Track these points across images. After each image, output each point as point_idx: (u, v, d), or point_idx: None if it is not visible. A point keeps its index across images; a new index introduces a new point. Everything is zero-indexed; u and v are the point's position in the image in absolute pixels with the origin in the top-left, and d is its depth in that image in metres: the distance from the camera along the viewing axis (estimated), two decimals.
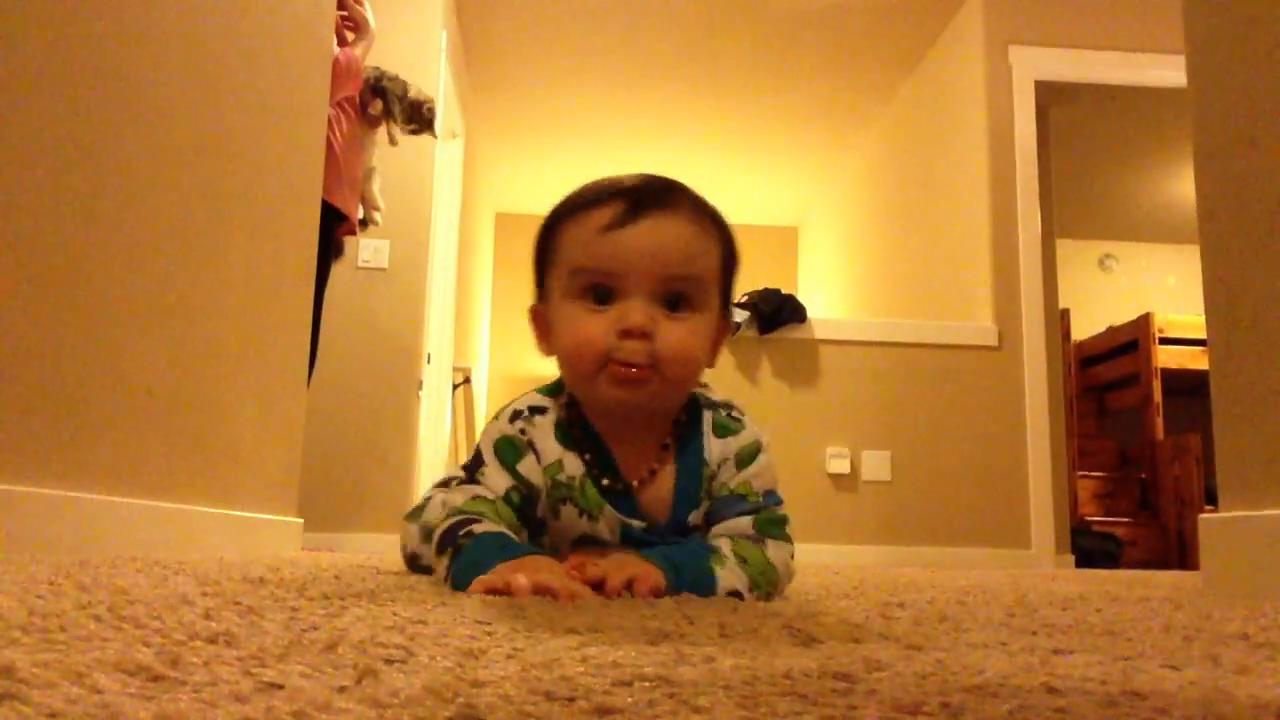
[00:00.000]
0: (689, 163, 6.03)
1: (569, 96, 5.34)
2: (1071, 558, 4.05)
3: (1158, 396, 5.70)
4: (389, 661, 0.40)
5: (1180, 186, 6.17)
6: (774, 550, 1.00)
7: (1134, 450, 5.95)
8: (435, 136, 3.34)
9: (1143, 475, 5.80)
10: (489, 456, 1.02)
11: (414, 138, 3.25)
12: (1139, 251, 7.16)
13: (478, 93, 5.21)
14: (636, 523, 1.01)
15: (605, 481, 1.01)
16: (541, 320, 1.04)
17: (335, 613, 0.62)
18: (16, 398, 1.18)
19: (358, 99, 3.01)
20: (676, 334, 0.94)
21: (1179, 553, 5.36)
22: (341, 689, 0.33)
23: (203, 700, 0.30)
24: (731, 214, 1.03)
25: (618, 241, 0.94)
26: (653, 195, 0.96)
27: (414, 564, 1.33)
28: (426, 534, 1.22)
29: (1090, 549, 4.72)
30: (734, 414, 1.07)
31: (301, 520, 2.36)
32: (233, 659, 0.39)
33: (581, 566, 0.87)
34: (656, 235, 0.94)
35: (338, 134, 2.85)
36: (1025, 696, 0.36)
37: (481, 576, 0.82)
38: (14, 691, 0.30)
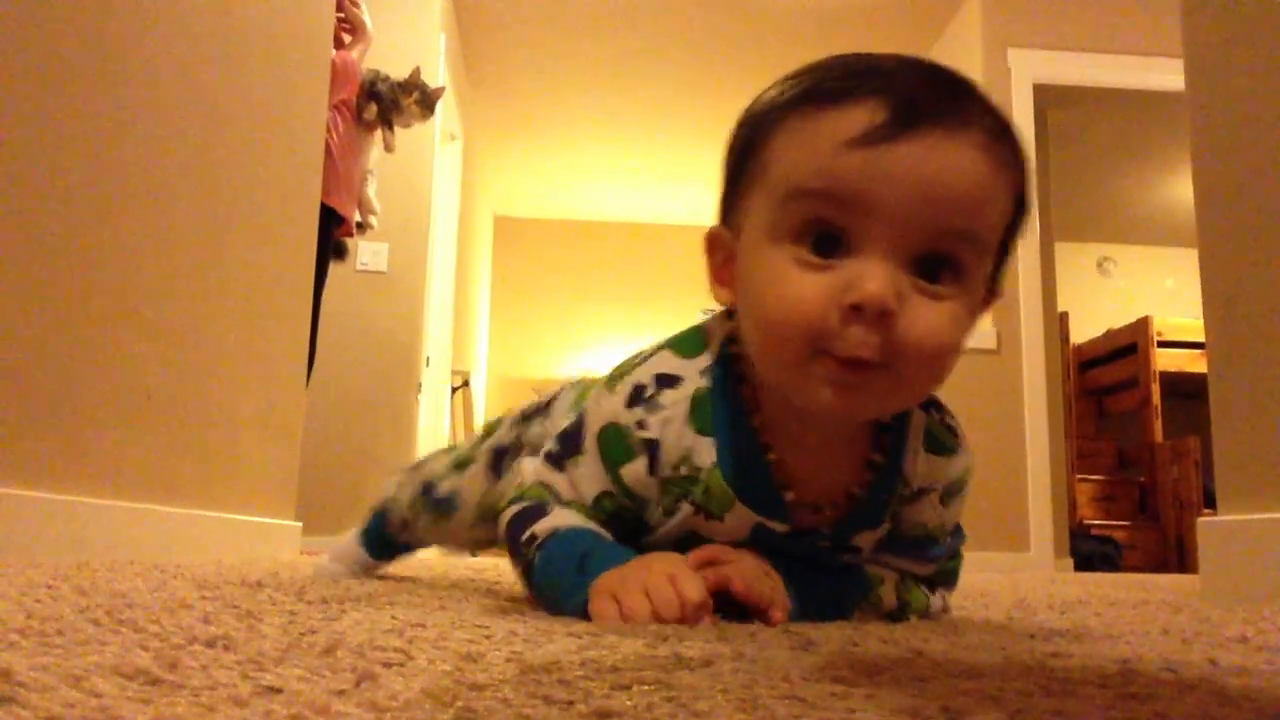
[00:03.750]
0: (688, 165, 6.03)
1: (568, 99, 5.34)
2: (1070, 561, 4.05)
3: (1156, 399, 5.70)
4: (387, 665, 0.40)
5: (1179, 190, 6.17)
6: (938, 599, 0.83)
7: (1133, 453, 5.95)
8: (431, 104, 3.24)
9: (1142, 479, 5.80)
10: (590, 443, 0.77)
11: (408, 129, 3.21)
12: (1137, 254, 7.17)
13: (476, 95, 5.21)
14: (778, 525, 0.75)
15: (790, 495, 0.75)
16: (721, 251, 0.73)
17: (334, 616, 0.62)
18: (15, 401, 1.18)
19: (355, 102, 3.01)
20: (930, 319, 0.63)
21: (1178, 556, 5.36)
22: (340, 693, 0.33)
23: (201, 704, 0.30)
24: None
25: (873, 164, 0.61)
26: (935, 99, 0.63)
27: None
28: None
29: (1089, 552, 4.72)
30: (949, 421, 0.80)
31: (300, 524, 2.36)
32: (231, 663, 0.39)
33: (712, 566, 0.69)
34: (934, 164, 0.62)
35: (335, 136, 2.85)
36: (1024, 700, 0.36)
37: (600, 603, 0.65)
38: (12, 695, 0.30)
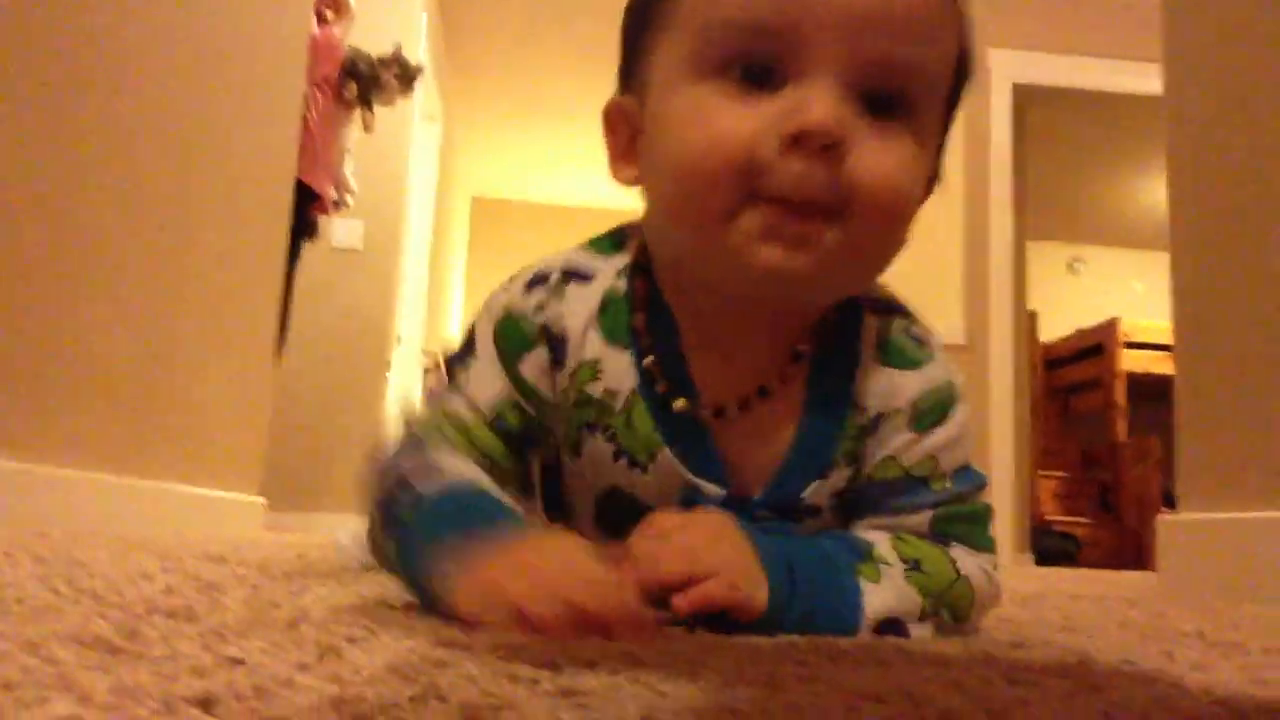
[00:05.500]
0: None
1: (549, 81, 5.31)
2: (1031, 556, 4.10)
3: (1121, 400, 5.78)
4: (352, 640, 0.40)
5: (1150, 193, 6.24)
6: (964, 557, 0.59)
7: (1096, 452, 6.03)
8: (411, 81, 3.18)
9: (1104, 477, 5.88)
10: (483, 343, 0.62)
11: (388, 107, 3.19)
12: (1107, 256, 7.25)
13: (457, 76, 5.17)
14: (712, 487, 0.60)
15: (678, 403, 0.59)
16: (625, 125, 0.60)
17: (297, 591, 0.62)
18: None
19: (335, 79, 2.98)
20: (885, 157, 0.52)
21: (1137, 553, 5.45)
22: (303, 666, 0.33)
23: (162, 673, 0.30)
24: None
25: None
26: None
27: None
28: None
29: (1050, 548, 4.79)
30: (915, 330, 0.64)
31: (263, 499, 2.34)
32: (193, 634, 0.39)
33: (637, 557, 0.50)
34: None
35: (314, 114, 2.82)
36: (986, 687, 0.36)
37: (464, 592, 0.45)
38: None
